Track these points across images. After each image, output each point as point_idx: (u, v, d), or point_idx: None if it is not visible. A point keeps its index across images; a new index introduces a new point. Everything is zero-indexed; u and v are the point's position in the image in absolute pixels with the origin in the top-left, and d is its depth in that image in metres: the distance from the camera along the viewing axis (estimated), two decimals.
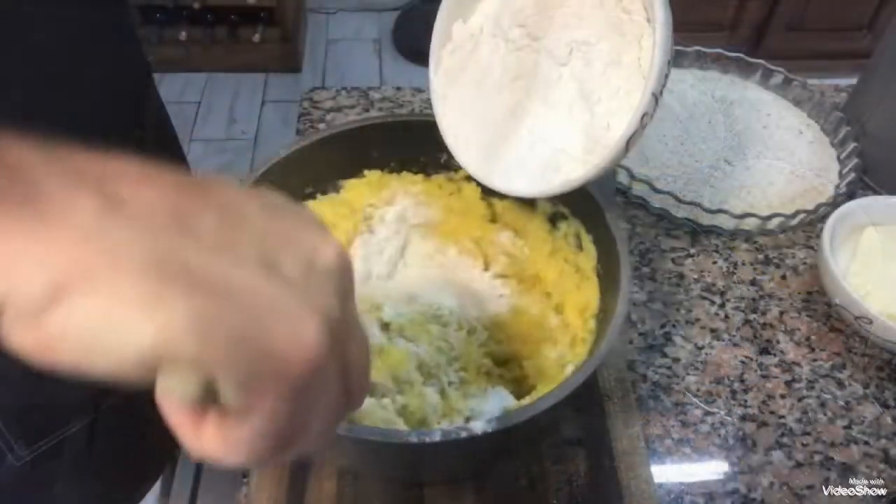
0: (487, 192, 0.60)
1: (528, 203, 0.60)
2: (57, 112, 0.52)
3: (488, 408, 0.50)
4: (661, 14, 0.43)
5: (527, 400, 0.49)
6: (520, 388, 0.54)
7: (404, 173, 0.62)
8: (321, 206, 0.60)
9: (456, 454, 0.46)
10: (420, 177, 0.62)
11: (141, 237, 0.19)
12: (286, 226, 0.23)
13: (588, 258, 0.56)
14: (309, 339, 0.20)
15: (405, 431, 0.40)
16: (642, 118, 0.44)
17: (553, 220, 0.60)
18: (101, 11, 0.57)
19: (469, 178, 0.59)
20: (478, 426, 0.39)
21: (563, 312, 0.56)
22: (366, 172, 0.61)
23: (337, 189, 0.61)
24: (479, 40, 0.53)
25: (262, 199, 0.24)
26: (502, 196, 0.57)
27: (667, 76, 0.44)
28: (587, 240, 0.56)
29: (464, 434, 0.39)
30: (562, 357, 0.53)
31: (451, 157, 0.59)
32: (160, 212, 0.20)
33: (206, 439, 0.21)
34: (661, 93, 0.44)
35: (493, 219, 0.62)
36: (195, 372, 0.19)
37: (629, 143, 0.45)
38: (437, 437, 0.39)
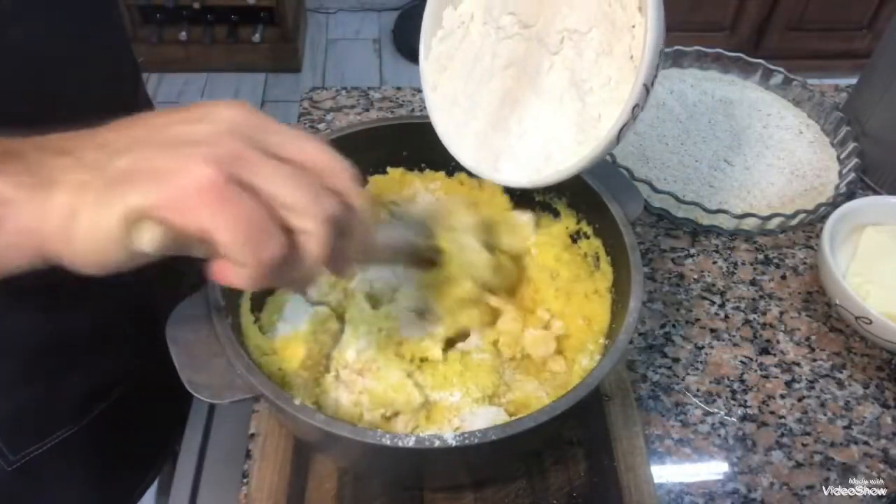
0: (510, 189, 0.60)
1: (552, 213, 0.60)
2: (42, 111, 0.52)
3: (479, 423, 0.50)
4: (654, 4, 0.42)
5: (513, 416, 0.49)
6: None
7: (427, 171, 0.63)
8: None
9: (438, 461, 0.46)
10: (441, 174, 0.62)
11: (91, 172, 0.30)
12: (192, 112, 0.32)
13: (604, 278, 0.56)
14: (196, 172, 0.28)
15: (379, 432, 0.40)
16: (633, 109, 0.44)
17: (574, 238, 0.59)
18: (87, 10, 0.57)
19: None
20: (449, 437, 0.39)
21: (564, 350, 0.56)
22: (389, 170, 0.62)
23: (362, 184, 0.62)
24: (470, 28, 0.53)
25: (169, 110, 0.32)
26: (523, 193, 0.57)
27: (658, 67, 0.44)
28: (605, 261, 0.56)
29: (437, 443, 0.39)
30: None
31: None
32: (95, 150, 0.31)
33: (215, 274, 0.31)
34: (652, 84, 0.44)
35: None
36: (152, 226, 0.29)
37: (620, 133, 0.45)
38: (410, 442, 0.39)
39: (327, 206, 0.32)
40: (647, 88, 0.44)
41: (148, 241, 0.30)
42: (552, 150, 0.50)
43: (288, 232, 0.31)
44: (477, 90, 0.53)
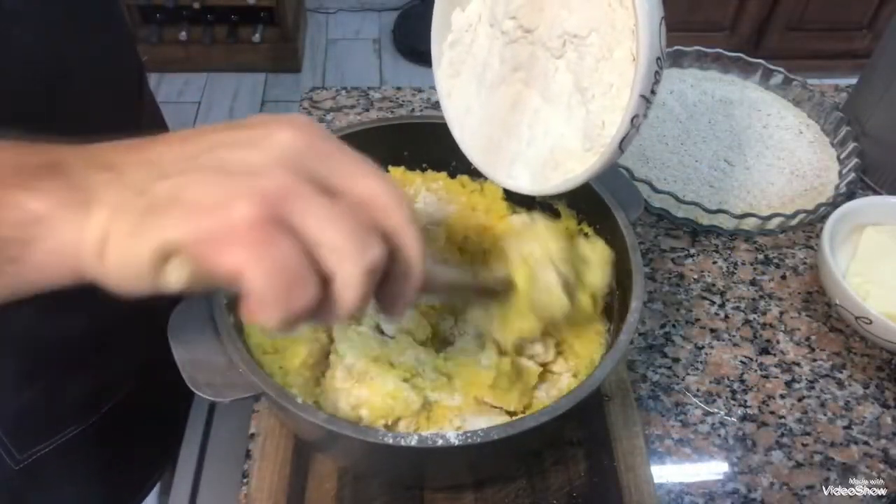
0: (509, 193, 0.60)
1: (552, 213, 0.60)
2: (49, 111, 0.52)
3: (480, 423, 0.50)
4: (644, 9, 0.40)
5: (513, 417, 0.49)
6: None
7: (429, 171, 0.62)
8: None
9: (440, 461, 0.46)
10: (443, 174, 0.62)
11: (132, 193, 0.28)
12: (249, 130, 0.30)
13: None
14: (239, 210, 0.27)
15: (381, 431, 0.40)
16: (633, 120, 0.43)
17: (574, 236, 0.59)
18: (90, 10, 0.57)
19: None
20: (451, 436, 0.39)
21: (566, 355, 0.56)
22: (390, 168, 0.61)
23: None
24: (477, 30, 0.53)
25: (226, 125, 0.31)
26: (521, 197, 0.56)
27: (657, 73, 0.42)
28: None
29: (439, 442, 0.39)
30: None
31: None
32: (140, 166, 0.29)
33: (245, 313, 0.28)
34: (651, 92, 0.43)
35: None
36: (182, 263, 0.28)
37: (622, 144, 0.44)
38: (413, 442, 0.39)
39: (372, 254, 0.29)
40: (647, 98, 0.42)
41: (177, 278, 0.29)
42: (560, 158, 0.50)
43: (325, 276, 0.29)
44: (489, 96, 0.53)
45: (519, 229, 0.52)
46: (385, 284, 0.32)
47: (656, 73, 0.42)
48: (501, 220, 0.60)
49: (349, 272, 0.29)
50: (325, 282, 0.29)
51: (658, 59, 0.41)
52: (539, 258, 0.47)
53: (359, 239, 0.29)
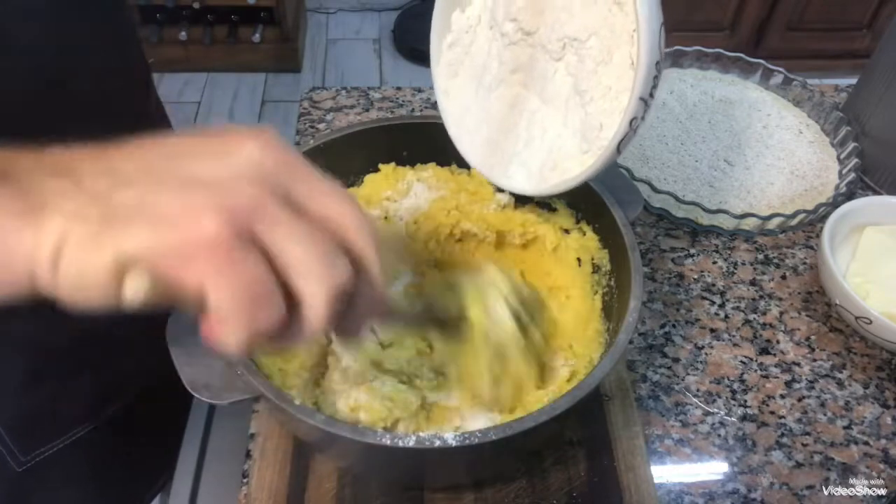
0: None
1: (549, 208, 0.60)
2: (55, 111, 0.52)
3: (478, 424, 0.50)
4: (645, 13, 0.40)
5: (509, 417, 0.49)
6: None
7: (418, 165, 0.63)
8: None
9: (438, 462, 0.46)
10: (432, 163, 0.62)
11: (89, 201, 0.27)
12: (216, 143, 0.29)
13: (588, 275, 0.56)
14: (204, 225, 0.26)
15: (379, 432, 0.40)
16: (631, 122, 0.43)
17: (568, 231, 0.59)
18: (99, 11, 0.57)
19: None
20: (449, 437, 0.39)
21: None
22: (381, 166, 0.62)
23: (358, 184, 0.62)
24: (477, 32, 0.53)
25: (192, 135, 0.30)
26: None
27: (656, 78, 0.43)
28: (591, 259, 0.56)
29: (437, 443, 0.39)
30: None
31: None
32: (101, 174, 0.27)
33: (205, 331, 0.28)
34: (650, 95, 0.43)
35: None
36: (141, 277, 0.27)
37: (620, 146, 0.44)
38: (410, 443, 0.39)
39: (338, 275, 0.29)
40: (646, 101, 0.43)
41: (135, 293, 0.27)
42: (558, 159, 0.50)
43: (290, 296, 0.28)
44: (487, 97, 0.53)
45: (472, 271, 0.52)
46: (347, 307, 0.31)
47: (655, 77, 0.42)
48: (488, 202, 0.60)
49: (316, 293, 0.28)
50: (290, 302, 0.28)
51: (657, 63, 0.42)
52: (492, 293, 0.48)
53: (327, 259, 0.28)
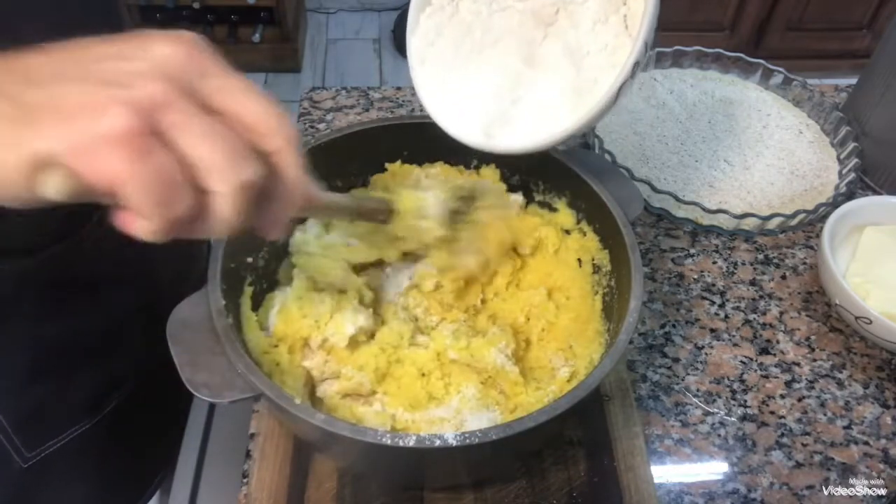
0: (505, 177, 0.61)
1: (550, 208, 0.60)
2: None
3: (478, 424, 0.50)
4: None
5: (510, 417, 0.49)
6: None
7: (425, 164, 0.63)
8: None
9: (438, 461, 0.46)
10: (440, 161, 0.62)
11: (5, 102, 0.27)
12: (129, 44, 0.30)
13: (589, 276, 0.56)
14: (111, 118, 0.26)
15: (380, 432, 0.40)
16: (634, 67, 0.44)
17: (568, 231, 0.60)
18: (95, 9, 0.57)
19: (488, 163, 0.60)
20: (449, 436, 0.39)
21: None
22: (387, 165, 0.62)
23: (366, 184, 0.62)
24: (459, 5, 0.54)
25: (106, 39, 0.30)
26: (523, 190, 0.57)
27: (656, 30, 0.45)
28: (593, 259, 0.56)
29: (437, 443, 0.39)
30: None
31: (480, 161, 0.60)
32: (12, 75, 0.28)
33: (120, 222, 0.29)
34: (651, 44, 0.45)
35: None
36: (57, 173, 0.27)
37: (620, 91, 0.46)
38: (410, 442, 0.39)
39: (245, 172, 0.30)
40: (647, 46, 0.45)
41: (53, 189, 0.28)
42: (546, 117, 0.50)
43: (201, 190, 0.29)
44: (467, 62, 0.53)
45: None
46: (263, 203, 0.32)
47: (655, 29, 0.45)
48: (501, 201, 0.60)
49: (223, 188, 0.29)
50: (201, 197, 0.29)
51: (657, 11, 0.45)
52: (423, 187, 0.52)
53: (233, 157, 0.29)
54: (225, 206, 0.30)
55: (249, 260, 0.54)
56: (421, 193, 0.52)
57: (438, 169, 0.62)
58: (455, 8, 0.54)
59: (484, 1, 0.52)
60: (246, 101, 0.31)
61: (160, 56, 0.29)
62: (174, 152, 0.28)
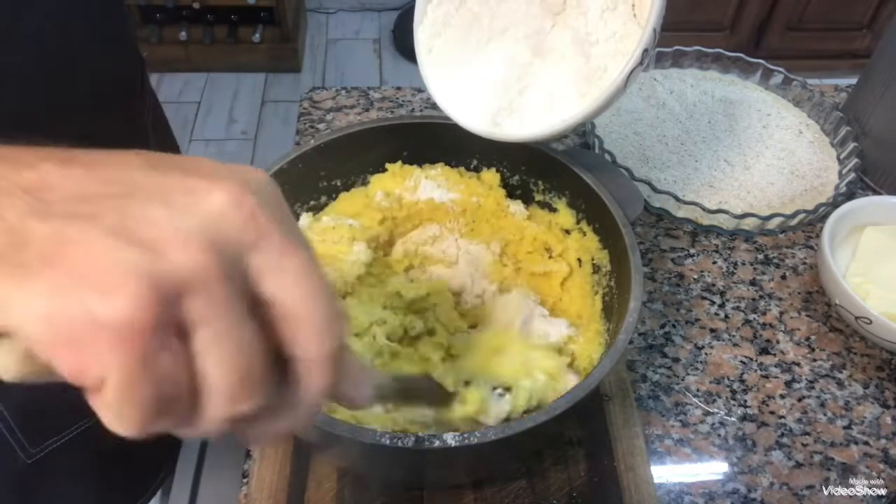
0: (506, 183, 0.61)
1: (552, 210, 0.60)
2: (52, 105, 0.52)
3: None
4: None
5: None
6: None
7: (426, 165, 0.63)
8: (351, 197, 0.61)
9: (437, 461, 0.46)
10: (440, 163, 0.63)
11: None
12: (182, 180, 0.22)
13: (587, 275, 0.57)
14: (117, 300, 0.19)
15: (378, 432, 0.40)
16: (643, 53, 0.45)
17: (568, 231, 0.60)
18: (95, 7, 0.57)
19: (488, 166, 0.60)
20: (448, 437, 0.39)
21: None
22: (388, 166, 0.62)
23: (365, 183, 0.62)
24: None
25: (148, 161, 0.23)
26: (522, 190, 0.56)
27: (663, 17, 0.46)
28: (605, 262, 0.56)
29: (436, 443, 0.39)
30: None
31: (480, 161, 0.60)
32: (28, 194, 0.21)
33: (96, 408, 0.22)
34: (659, 30, 0.46)
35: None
36: (11, 350, 0.20)
37: (629, 78, 0.46)
38: (409, 443, 0.39)
39: (248, 406, 0.23)
40: (656, 33, 0.45)
41: (1, 367, 0.21)
42: (555, 105, 0.51)
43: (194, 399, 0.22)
44: (475, 52, 0.54)
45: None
46: (263, 415, 0.24)
47: (663, 16, 0.45)
48: (501, 207, 0.60)
49: (216, 414, 0.23)
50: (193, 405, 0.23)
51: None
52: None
53: (246, 383, 0.22)
54: (213, 426, 0.23)
55: None
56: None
57: (439, 170, 0.62)
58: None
59: None
60: (297, 287, 0.23)
61: (214, 208, 0.22)
62: (184, 354, 0.21)
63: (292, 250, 0.23)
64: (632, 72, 0.46)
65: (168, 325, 0.20)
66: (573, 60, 0.50)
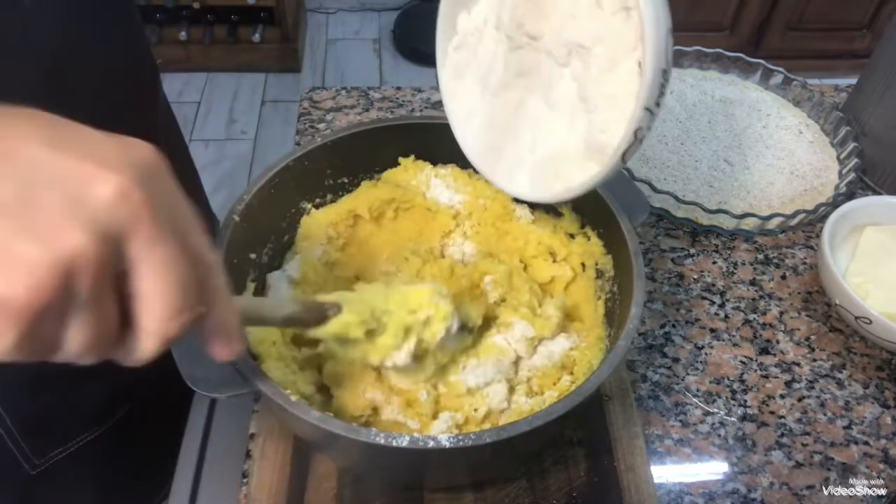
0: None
1: (556, 214, 0.60)
2: (67, 109, 0.52)
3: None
4: (651, 16, 0.39)
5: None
6: None
7: (438, 164, 0.63)
8: (369, 188, 0.62)
9: (433, 462, 0.46)
10: (452, 164, 0.63)
11: None
12: (63, 165, 0.24)
13: (590, 280, 0.57)
14: (14, 283, 0.22)
15: (373, 431, 0.40)
16: (636, 132, 0.42)
17: (573, 235, 0.60)
18: (107, 9, 0.57)
19: None
20: (442, 438, 0.39)
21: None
22: (400, 159, 0.62)
23: (378, 178, 0.63)
24: (484, 34, 0.53)
25: (47, 137, 0.25)
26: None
27: (663, 86, 0.41)
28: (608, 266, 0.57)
29: (430, 444, 0.39)
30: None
31: None
32: None
33: None
34: (657, 104, 0.41)
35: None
36: None
37: (625, 156, 0.44)
38: (404, 442, 0.39)
39: (93, 359, 0.29)
40: (651, 111, 0.41)
41: None
42: (561, 166, 0.50)
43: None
44: (492, 100, 0.54)
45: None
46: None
47: (662, 85, 0.41)
48: (507, 211, 0.60)
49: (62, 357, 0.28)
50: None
51: (664, 70, 0.40)
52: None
53: (95, 349, 0.28)
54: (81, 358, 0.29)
55: (252, 256, 0.54)
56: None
57: (449, 170, 0.62)
58: (480, 38, 0.53)
59: (504, 34, 0.51)
60: (151, 276, 0.26)
61: (102, 199, 0.24)
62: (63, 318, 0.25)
63: (161, 242, 0.26)
64: (626, 150, 0.43)
65: (57, 299, 0.24)
66: (580, 118, 0.48)
